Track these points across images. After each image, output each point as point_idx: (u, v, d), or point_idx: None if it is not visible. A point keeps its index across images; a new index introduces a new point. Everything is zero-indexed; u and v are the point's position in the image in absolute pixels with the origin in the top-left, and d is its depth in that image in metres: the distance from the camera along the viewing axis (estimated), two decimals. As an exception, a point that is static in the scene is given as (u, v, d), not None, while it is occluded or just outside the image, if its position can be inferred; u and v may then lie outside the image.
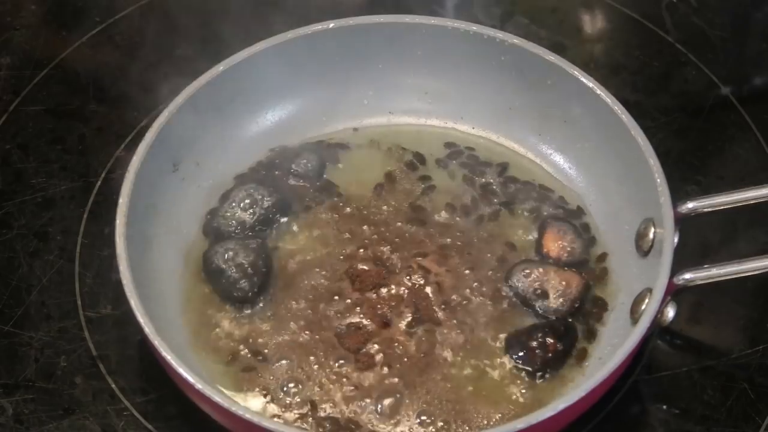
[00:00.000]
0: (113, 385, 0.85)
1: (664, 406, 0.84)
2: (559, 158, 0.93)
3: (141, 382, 0.85)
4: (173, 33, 1.05)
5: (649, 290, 0.80)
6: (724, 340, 0.87)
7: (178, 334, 0.82)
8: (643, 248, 0.84)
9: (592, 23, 1.09)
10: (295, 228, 0.89)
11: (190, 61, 1.03)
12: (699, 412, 0.84)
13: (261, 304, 0.85)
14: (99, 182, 0.96)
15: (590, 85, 0.89)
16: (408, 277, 0.86)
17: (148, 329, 0.76)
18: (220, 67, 0.89)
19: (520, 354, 0.82)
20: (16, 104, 1.01)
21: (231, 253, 0.85)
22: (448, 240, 0.88)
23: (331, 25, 0.92)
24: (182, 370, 0.75)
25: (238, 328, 0.84)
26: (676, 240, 0.81)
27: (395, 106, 0.95)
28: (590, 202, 0.91)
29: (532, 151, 0.94)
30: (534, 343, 0.82)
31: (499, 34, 0.91)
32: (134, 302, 0.77)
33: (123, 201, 0.81)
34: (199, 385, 0.74)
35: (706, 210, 0.83)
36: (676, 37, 1.06)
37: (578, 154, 0.92)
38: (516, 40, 0.91)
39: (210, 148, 0.90)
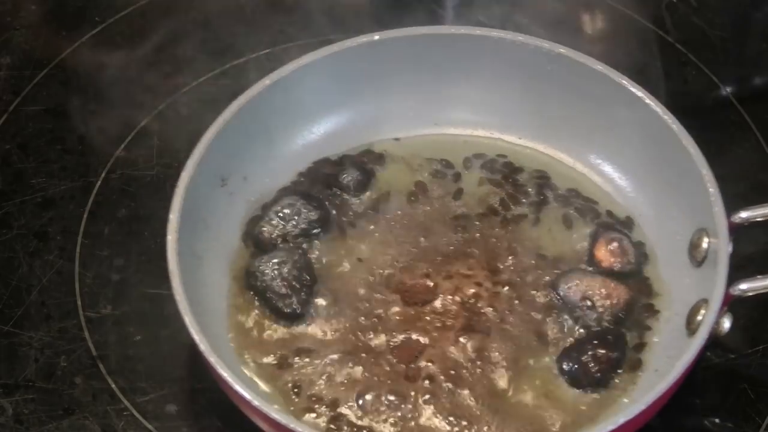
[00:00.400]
0: (113, 385, 0.85)
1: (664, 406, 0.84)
2: (608, 168, 0.92)
3: (141, 382, 0.85)
4: (173, 33, 1.05)
5: (705, 301, 0.79)
6: (724, 339, 0.87)
7: (225, 345, 0.82)
8: (697, 258, 0.83)
9: (592, 23, 1.09)
10: (337, 241, 0.88)
11: (191, 61, 1.03)
12: (699, 412, 0.84)
13: (307, 318, 0.84)
14: (99, 182, 0.96)
15: (639, 94, 0.88)
16: (454, 288, 0.85)
17: (203, 346, 0.76)
18: (266, 81, 0.88)
19: (572, 367, 0.81)
20: (16, 104, 1.01)
21: (277, 267, 0.84)
22: (492, 248, 0.87)
23: (376, 37, 0.91)
24: (239, 387, 0.74)
25: (282, 340, 0.83)
26: (729, 250, 0.80)
27: (440, 117, 0.94)
28: (640, 212, 0.89)
29: (581, 161, 0.92)
30: (585, 357, 0.81)
31: (545, 44, 0.90)
32: (188, 319, 0.77)
33: (174, 217, 0.81)
34: (256, 402, 0.74)
35: (759, 219, 0.82)
36: (676, 37, 1.06)
37: (627, 163, 0.91)
38: (562, 50, 0.90)
39: (257, 162, 0.90)
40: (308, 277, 0.84)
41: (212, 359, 0.75)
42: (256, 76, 1.02)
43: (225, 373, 0.75)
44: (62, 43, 1.05)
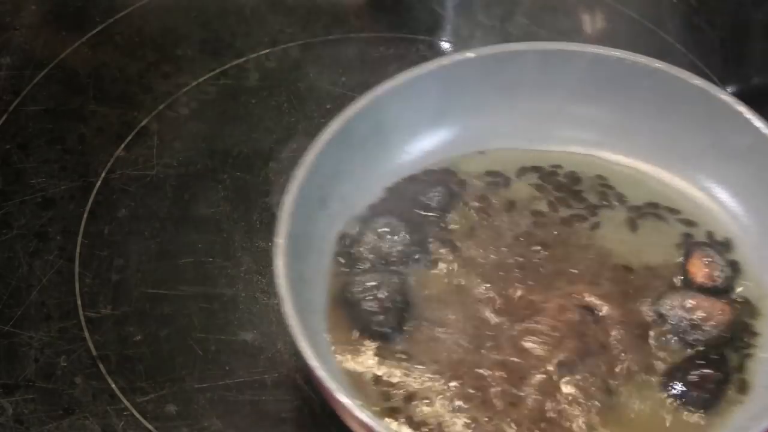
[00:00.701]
0: (113, 385, 0.85)
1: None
2: (708, 184, 0.90)
3: (141, 382, 0.85)
4: (173, 33, 1.05)
5: None
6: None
7: (333, 367, 0.81)
8: None
9: (592, 23, 1.09)
10: (429, 262, 0.86)
11: (190, 61, 1.03)
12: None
13: (402, 338, 0.83)
14: (99, 182, 0.96)
15: (740, 109, 0.86)
16: (556, 308, 0.83)
17: (321, 373, 0.75)
18: (362, 101, 0.87)
19: (680, 388, 0.79)
20: (16, 104, 1.01)
21: (371, 287, 0.83)
22: (585, 264, 0.85)
23: (470, 55, 0.90)
24: (361, 414, 0.74)
25: (378, 359, 0.82)
26: None
27: (533, 134, 0.92)
28: (744, 228, 0.87)
29: (680, 176, 0.90)
30: (693, 377, 0.79)
31: (642, 59, 0.89)
32: (303, 345, 0.76)
33: (281, 242, 0.80)
34: (370, 421, 0.74)
35: None
36: (676, 37, 1.06)
37: (729, 179, 0.89)
38: (659, 65, 0.89)
39: (352, 183, 0.89)
40: (402, 298, 0.84)
41: (332, 386, 0.75)
42: (256, 76, 1.03)
43: (345, 400, 0.74)
44: (62, 43, 1.05)
